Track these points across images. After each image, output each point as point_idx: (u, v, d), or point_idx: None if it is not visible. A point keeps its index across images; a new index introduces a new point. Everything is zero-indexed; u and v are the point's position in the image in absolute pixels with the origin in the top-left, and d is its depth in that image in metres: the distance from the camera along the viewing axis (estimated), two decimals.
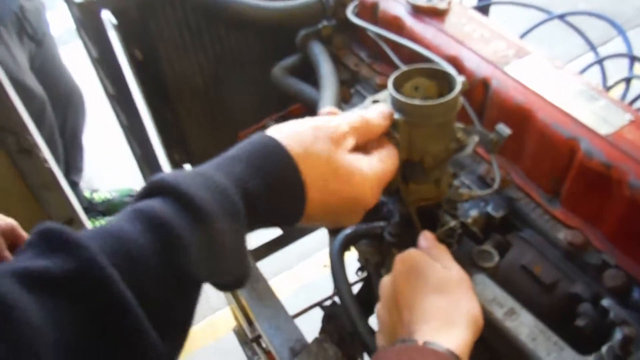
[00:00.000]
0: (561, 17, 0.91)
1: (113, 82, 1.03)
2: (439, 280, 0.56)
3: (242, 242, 0.47)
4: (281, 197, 0.49)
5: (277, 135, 0.50)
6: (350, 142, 0.53)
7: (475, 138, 0.58)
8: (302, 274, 2.17)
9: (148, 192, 0.45)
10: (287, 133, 0.51)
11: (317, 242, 1.99)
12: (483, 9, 1.04)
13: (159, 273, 0.40)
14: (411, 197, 0.64)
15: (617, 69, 0.90)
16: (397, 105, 0.57)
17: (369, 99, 0.62)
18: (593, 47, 0.86)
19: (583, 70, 0.85)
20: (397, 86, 0.58)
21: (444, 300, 0.54)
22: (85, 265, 0.36)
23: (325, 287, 1.20)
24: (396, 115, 0.57)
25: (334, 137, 0.51)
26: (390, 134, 0.56)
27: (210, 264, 0.44)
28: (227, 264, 0.46)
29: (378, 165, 0.54)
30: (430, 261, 0.58)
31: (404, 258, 0.59)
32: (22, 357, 0.31)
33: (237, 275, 0.48)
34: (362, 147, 0.55)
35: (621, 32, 0.83)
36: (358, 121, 0.54)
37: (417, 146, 0.58)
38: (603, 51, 0.88)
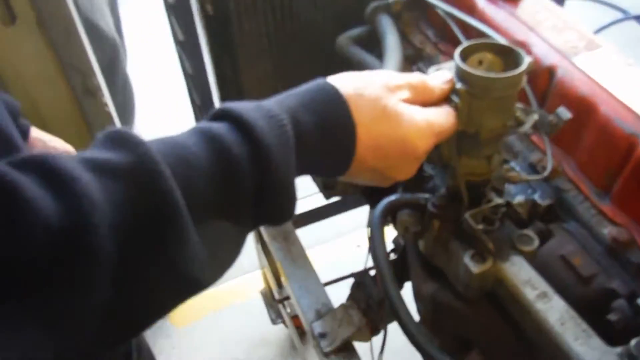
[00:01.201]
0: (637, 18, 0.88)
1: (184, 29, 1.06)
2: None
3: (292, 173, 0.48)
4: (331, 132, 0.50)
5: (332, 79, 0.53)
6: (405, 93, 0.55)
7: (535, 117, 0.59)
8: (335, 250, 2.20)
9: (212, 117, 0.48)
10: (343, 77, 0.54)
11: (354, 222, 2.02)
12: (558, 1, 1.02)
13: (212, 182, 0.42)
14: (462, 171, 0.65)
15: None
16: (460, 74, 0.58)
17: (433, 67, 0.63)
18: None
19: None
20: (464, 57, 0.59)
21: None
22: (142, 158, 0.39)
23: (356, 266, 1.22)
24: (458, 85, 0.58)
25: (389, 85, 0.54)
26: (451, 100, 0.58)
27: (260, 193, 0.46)
28: (275, 194, 0.47)
29: (432, 116, 0.56)
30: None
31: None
32: (81, 223, 0.34)
33: (284, 208, 0.49)
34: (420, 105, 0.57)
35: None
36: (416, 80, 0.56)
37: (475, 118, 0.59)
38: None
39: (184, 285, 0.44)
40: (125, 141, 0.40)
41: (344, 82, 0.53)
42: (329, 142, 0.51)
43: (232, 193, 0.44)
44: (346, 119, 0.51)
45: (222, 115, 0.47)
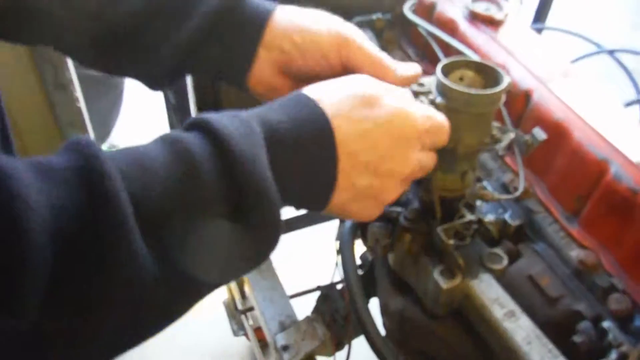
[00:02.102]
0: (610, 52, 0.92)
1: None
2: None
3: (262, 170, 0.41)
4: (305, 127, 0.45)
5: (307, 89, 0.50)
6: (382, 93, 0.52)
7: (511, 135, 0.59)
8: (302, 263, 2.18)
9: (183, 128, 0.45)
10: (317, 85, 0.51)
11: (322, 234, 2.00)
12: (536, 29, 1.05)
13: (171, 184, 0.38)
14: (436, 185, 0.65)
15: None
16: (441, 89, 0.58)
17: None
18: (636, 85, 0.87)
19: (625, 106, 0.86)
20: (445, 73, 0.60)
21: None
22: (88, 159, 0.36)
23: (322, 280, 1.21)
24: (438, 99, 0.58)
25: (365, 92, 0.50)
26: None
27: (230, 189, 0.40)
28: (247, 192, 0.41)
29: (423, 107, 0.54)
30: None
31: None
32: (9, 227, 0.30)
33: (264, 212, 0.41)
34: None
35: None
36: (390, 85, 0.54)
37: (453, 133, 0.59)
38: None
39: (136, 296, 0.37)
40: (76, 145, 0.37)
41: (314, 87, 0.50)
42: (304, 140, 0.45)
43: (196, 193, 0.39)
44: (319, 115, 0.46)
45: (187, 126, 0.44)
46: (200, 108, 1.29)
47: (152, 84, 0.59)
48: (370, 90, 0.49)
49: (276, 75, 0.56)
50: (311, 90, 0.49)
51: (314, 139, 0.45)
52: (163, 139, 0.41)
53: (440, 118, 0.54)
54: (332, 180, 0.46)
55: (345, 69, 0.56)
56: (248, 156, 0.41)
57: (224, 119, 0.43)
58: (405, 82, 0.57)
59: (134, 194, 0.36)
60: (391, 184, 0.51)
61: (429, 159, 0.54)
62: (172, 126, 1.38)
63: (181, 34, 0.53)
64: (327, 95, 0.48)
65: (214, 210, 0.40)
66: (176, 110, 1.23)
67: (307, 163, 0.45)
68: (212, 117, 0.43)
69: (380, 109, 0.48)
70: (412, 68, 0.57)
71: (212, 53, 0.55)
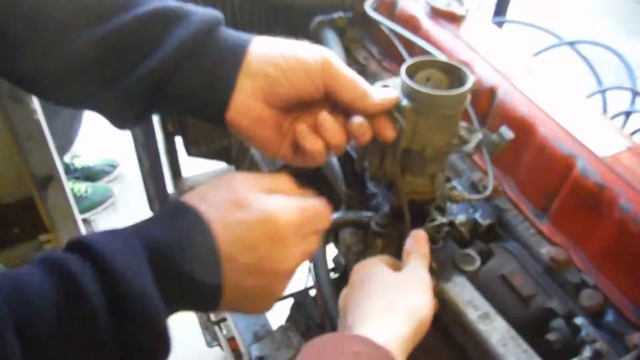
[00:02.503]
0: (571, 44, 0.92)
1: None
2: (385, 282, 0.56)
3: (144, 283, 0.42)
4: (187, 238, 0.45)
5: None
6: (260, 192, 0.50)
7: (479, 135, 0.59)
8: None
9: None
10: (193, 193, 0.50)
11: None
12: (497, 24, 1.05)
13: (52, 307, 0.38)
14: (405, 189, 0.64)
15: (618, 103, 0.91)
16: (407, 91, 0.57)
17: (379, 83, 0.62)
18: (597, 76, 0.88)
19: (586, 97, 0.87)
20: (410, 74, 0.59)
21: (384, 300, 0.54)
22: None
23: (296, 285, 1.19)
24: (404, 102, 0.57)
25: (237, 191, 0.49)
26: (394, 117, 0.56)
27: (115, 310, 0.40)
28: (130, 312, 0.41)
29: (293, 201, 0.51)
30: (383, 268, 0.58)
31: (357, 268, 0.60)
32: None
33: (148, 336, 0.42)
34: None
35: (626, 65, 0.85)
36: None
37: (420, 136, 0.58)
38: (608, 84, 0.90)
39: None
40: None
41: (193, 193, 0.49)
42: (189, 251, 0.45)
43: (78, 315, 0.39)
44: (199, 224, 0.46)
45: (68, 246, 0.43)
46: (163, 118, 1.25)
47: (118, 120, 0.54)
48: (242, 193, 0.49)
49: (260, 105, 0.53)
50: (190, 198, 0.48)
51: (197, 249, 0.45)
52: (44, 262, 0.41)
53: (315, 205, 0.53)
54: (218, 285, 0.47)
55: (326, 93, 0.54)
56: (129, 274, 0.41)
57: (104, 238, 0.42)
58: (382, 108, 0.55)
59: (18, 326, 0.36)
60: (277, 280, 0.50)
61: (313, 244, 0.54)
62: (134, 135, 1.33)
63: (150, 64, 0.49)
64: (205, 201, 0.48)
65: (98, 332, 0.40)
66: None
67: (192, 272, 0.45)
68: (93, 237, 0.42)
69: (252, 211, 0.48)
70: (389, 94, 0.56)
71: (186, 82, 0.51)
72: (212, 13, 0.52)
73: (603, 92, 0.86)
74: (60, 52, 0.48)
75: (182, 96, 0.52)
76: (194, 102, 0.53)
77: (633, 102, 0.85)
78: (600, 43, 0.90)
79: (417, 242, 0.61)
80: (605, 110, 0.90)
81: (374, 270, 0.58)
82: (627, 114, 0.84)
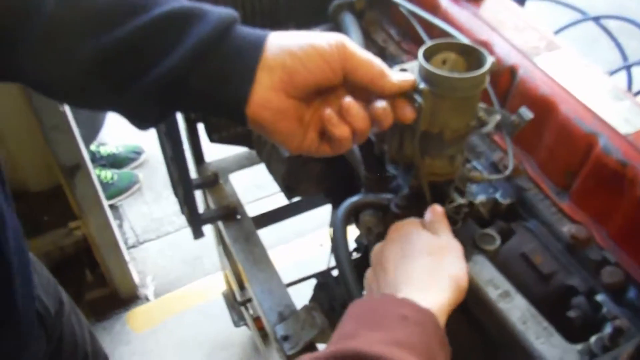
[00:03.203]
0: (596, 19, 0.90)
1: None
2: (426, 244, 0.58)
3: None
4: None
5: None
6: None
7: (497, 117, 0.59)
8: (297, 250, 2.18)
9: None
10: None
11: (316, 221, 2.01)
12: (519, 1, 1.03)
13: None
14: (425, 171, 0.64)
15: None
16: (424, 74, 0.57)
17: (397, 66, 0.62)
18: (622, 52, 0.86)
19: (611, 74, 0.85)
20: (427, 57, 0.59)
21: (427, 263, 0.56)
22: None
23: (319, 265, 1.20)
24: (422, 85, 0.57)
25: None
26: (414, 100, 0.57)
27: None
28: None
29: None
30: (422, 230, 0.60)
31: (397, 226, 0.62)
32: None
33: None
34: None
35: None
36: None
37: (439, 118, 0.58)
38: (634, 60, 0.88)
39: None
40: None
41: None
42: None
43: None
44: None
45: None
46: None
47: (138, 121, 0.56)
48: None
49: (280, 96, 0.54)
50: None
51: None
52: None
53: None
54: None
55: (345, 77, 0.55)
56: None
57: None
58: (400, 88, 0.56)
59: None
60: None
61: None
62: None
63: (169, 63, 0.50)
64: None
65: None
66: None
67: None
68: None
69: None
70: (406, 76, 0.56)
71: (205, 80, 0.52)
72: (228, 12, 0.53)
73: (628, 67, 0.84)
74: (77, 57, 0.50)
75: (201, 95, 0.53)
76: (213, 100, 0.54)
77: None
78: (625, 17, 0.88)
79: (437, 213, 0.62)
80: (630, 86, 0.88)
81: (413, 231, 0.60)
82: None
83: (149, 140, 2.36)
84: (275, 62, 0.53)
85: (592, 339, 0.57)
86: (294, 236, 2.21)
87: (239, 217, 1.31)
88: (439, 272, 0.55)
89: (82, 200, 1.70)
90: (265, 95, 0.53)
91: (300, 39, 0.54)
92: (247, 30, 0.55)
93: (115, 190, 2.30)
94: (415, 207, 0.69)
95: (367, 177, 0.83)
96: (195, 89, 0.52)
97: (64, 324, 0.91)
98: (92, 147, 2.36)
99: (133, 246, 2.21)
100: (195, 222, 1.33)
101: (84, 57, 0.50)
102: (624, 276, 0.62)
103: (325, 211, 1.55)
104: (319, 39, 0.54)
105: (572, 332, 0.61)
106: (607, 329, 0.58)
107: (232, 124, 1.24)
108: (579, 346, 0.58)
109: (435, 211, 0.63)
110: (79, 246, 1.90)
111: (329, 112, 0.55)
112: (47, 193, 1.83)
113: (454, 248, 0.58)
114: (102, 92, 0.53)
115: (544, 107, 0.70)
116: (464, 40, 0.72)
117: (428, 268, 0.55)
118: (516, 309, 0.61)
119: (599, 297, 0.62)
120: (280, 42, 0.54)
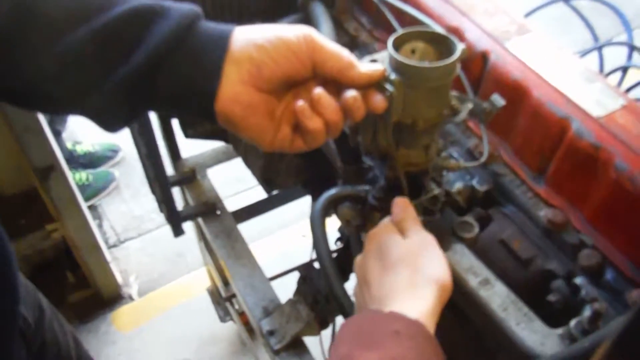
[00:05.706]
0: (566, 0, 0.90)
1: None
2: (402, 252, 0.57)
3: None
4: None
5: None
6: None
7: (469, 105, 0.58)
8: (280, 241, 2.17)
9: None
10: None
11: (299, 209, 2.00)
12: None
13: None
14: (400, 161, 0.64)
15: (615, 59, 0.90)
16: (394, 65, 0.56)
17: (367, 57, 0.61)
18: (593, 33, 0.86)
19: (582, 55, 0.85)
20: (397, 47, 0.58)
21: (406, 272, 0.55)
22: None
23: (302, 256, 1.20)
24: (393, 75, 0.56)
25: None
26: (385, 90, 0.56)
27: None
28: None
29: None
30: (395, 235, 0.59)
31: (372, 236, 0.61)
32: None
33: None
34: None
35: (623, 19, 0.83)
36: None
37: (411, 109, 0.58)
38: (605, 40, 0.88)
39: None
40: None
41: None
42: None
43: None
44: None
45: None
46: None
47: (106, 123, 0.54)
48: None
49: (249, 90, 0.53)
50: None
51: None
52: None
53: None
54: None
55: (314, 70, 0.54)
56: None
57: None
58: (369, 79, 0.55)
59: None
60: None
61: None
62: None
63: (133, 62, 0.49)
64: None
65: None
66: None
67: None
68: None
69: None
70: (375, 66, 0.55)
71: (171, 78, 0.51)
72: (191, 7, 0.52)
73: (599, 48, 0.84)
74: (42, 55, 0.48)
75: (169, 92, 0.52)
76: (181, 97, 0.53)
77: (630, 56, 0.84)
78: None
79: (403, 209, 0.62)
80: (602, 68, 0.88)
81: (386, 239, 0.59)
82: (624, 69, 0.83)
83: (125, 138, 2.32)
84: (242, 55, 0.52)
85: (572, 322, 0.57)
86: (277, 227, 2.20)
87: (218, 212, 1.29)
88: (420, 279, 0.54)
89: (58, 201, 1.66)
90: (234, 89, 0.52)
91: (267, 31, 0.53)
92: (212, 25, 0.53)
93: (92, 191, 2.27)
94: (392, 199, 0.69)
95: (343, 169, 0.82)
96: (163, 86, 0.51)
97: (45, 330, 0.89)
98: (68, 145, 2.32)
99: (114, 245, 2.18)
100: (175, 220, 1.32)
101: (48, 55, 0.48)
102: (601, 258, 0.62)
103: (306, 201, 1.54)
104: (286, 31, 0.53)
105: (552, 317, 0.62)
106: (587, 312, 0.58)
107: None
108: (560, 330, 0.58)
109: (398, 205, 0.62)
110: (59, 248, 1.86)
111: (301, 103, 0.54)
112: (22, 196, 1.79)
113: (427, 245, 0.58)
114: (70, 96, 0.51)
115: (516, 93, 0.70)
116: (435, 27, 0.71)
117: (408, 277, 0.54)
118: (496, 296, 0.62)
119: (578, 280, 0.62)
120: (247, 35, 0.53)
